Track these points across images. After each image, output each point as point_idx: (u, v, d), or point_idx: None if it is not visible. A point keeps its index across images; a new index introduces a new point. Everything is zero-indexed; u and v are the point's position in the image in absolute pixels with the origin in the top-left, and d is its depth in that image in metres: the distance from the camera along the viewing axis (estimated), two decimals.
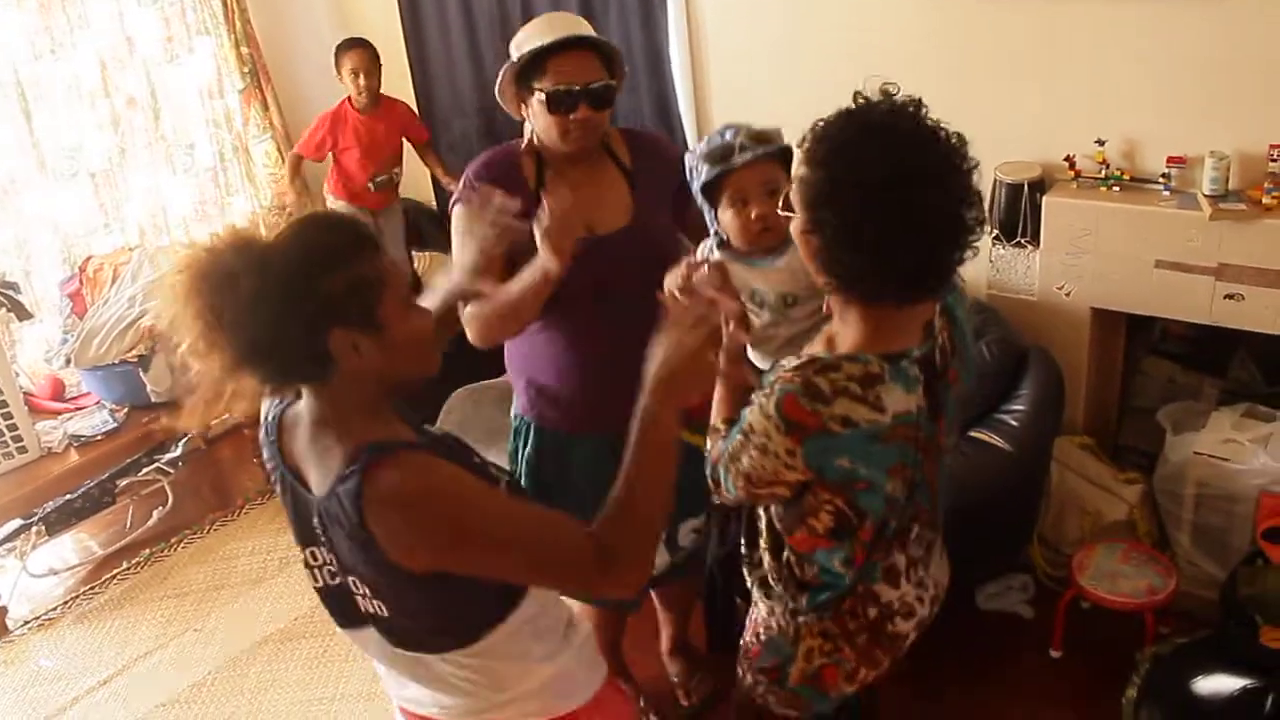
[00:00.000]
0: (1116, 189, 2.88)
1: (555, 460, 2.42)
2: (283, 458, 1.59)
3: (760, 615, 1.91)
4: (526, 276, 2.08)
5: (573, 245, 2.03)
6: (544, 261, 2.03)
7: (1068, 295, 3.02)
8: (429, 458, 1.49)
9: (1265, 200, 2.65)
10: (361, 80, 4.17)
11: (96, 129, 4.26)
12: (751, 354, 2.05)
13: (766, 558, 1.82)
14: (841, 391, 1.54)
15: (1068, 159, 2.96)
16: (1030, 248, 3.04)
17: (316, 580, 1.63)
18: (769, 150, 2.02)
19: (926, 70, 3.17)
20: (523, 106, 2.23)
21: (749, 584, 1.90)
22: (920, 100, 1.54)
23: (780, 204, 1.66)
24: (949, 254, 1.54)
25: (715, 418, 1.84)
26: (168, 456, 4.40)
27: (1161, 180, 2.83)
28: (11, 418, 3.62)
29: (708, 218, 2.10)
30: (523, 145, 2.31)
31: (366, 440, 1.46)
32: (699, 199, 2.08)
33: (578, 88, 2.13)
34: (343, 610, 1.64)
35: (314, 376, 1.49)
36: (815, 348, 1.70)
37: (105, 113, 4.27)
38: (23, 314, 3.71)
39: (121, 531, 4.05)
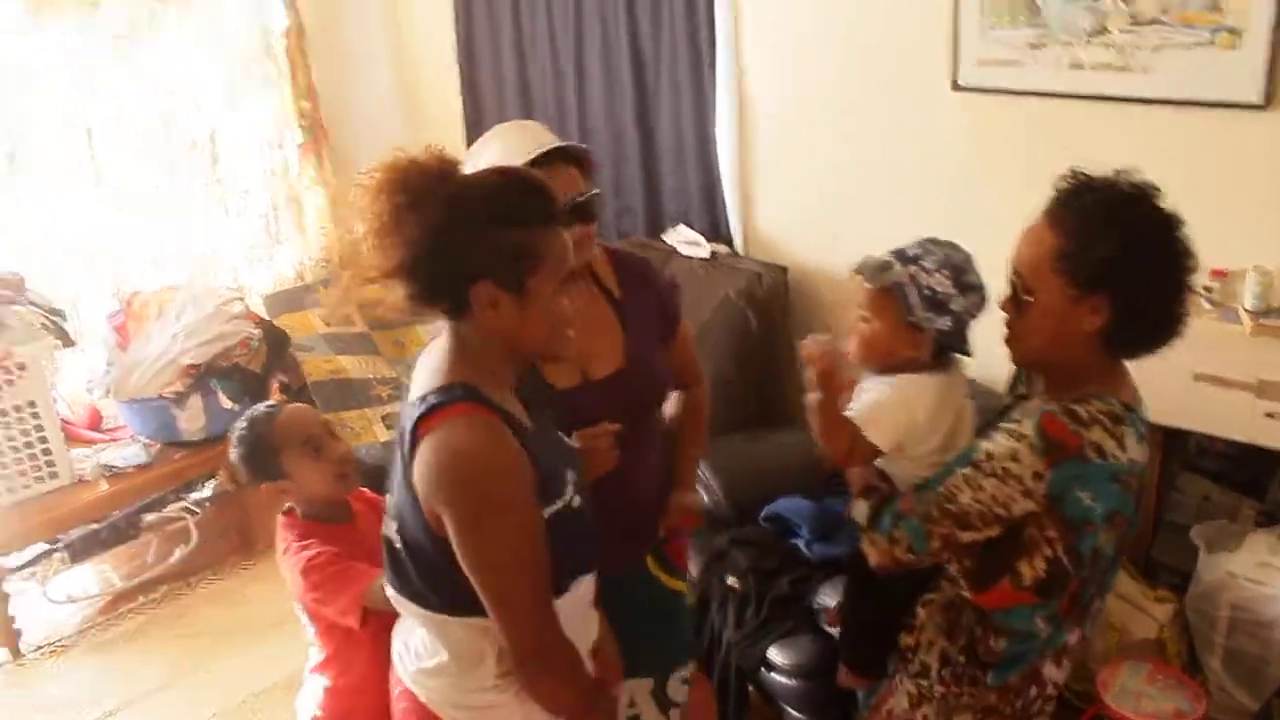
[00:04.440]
0: None
1: None
2: None
3: (900, 708, 1.89)
4: None
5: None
6: None
7: None
8: (497, 427, 1.54)
9: None
10: None
11: (155, 168, 4.35)
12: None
13: (939, 642, 1.82)
14: (1097, 421, 1.61)
15: None
16: None
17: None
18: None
19: (950, 173, 3.22)
20: None
21: (896, 677, 1.90)
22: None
23: (1021, 287, 1.70)
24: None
25: (858, 483, 1.85)
26: (195, 496, 4.44)
27: (1203, 292, 2.81)
28: (47, 442, 3.67)
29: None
30: None
31: (459, 380, 1.55)
32: None
33: (565, 204, 1.85)
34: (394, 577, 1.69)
35: (450, 313, 1.58)
36: (1032, 404, 1.74)
37: (165, 153, 4.37)
38: (67, 341, 3.76)
39: (143, 566, 4.07)
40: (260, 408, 2.36)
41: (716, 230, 3.98)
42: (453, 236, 1.50)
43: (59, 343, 3.75)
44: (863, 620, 2.05)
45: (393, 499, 1.66)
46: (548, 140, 1.97)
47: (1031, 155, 3.00)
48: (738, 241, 3.92)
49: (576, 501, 1.65)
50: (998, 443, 1.65)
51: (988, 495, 1.63)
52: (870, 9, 3.34)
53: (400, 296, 1.56)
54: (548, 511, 1.59)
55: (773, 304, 3.70)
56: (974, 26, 3.09)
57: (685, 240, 3.96)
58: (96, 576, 4.05)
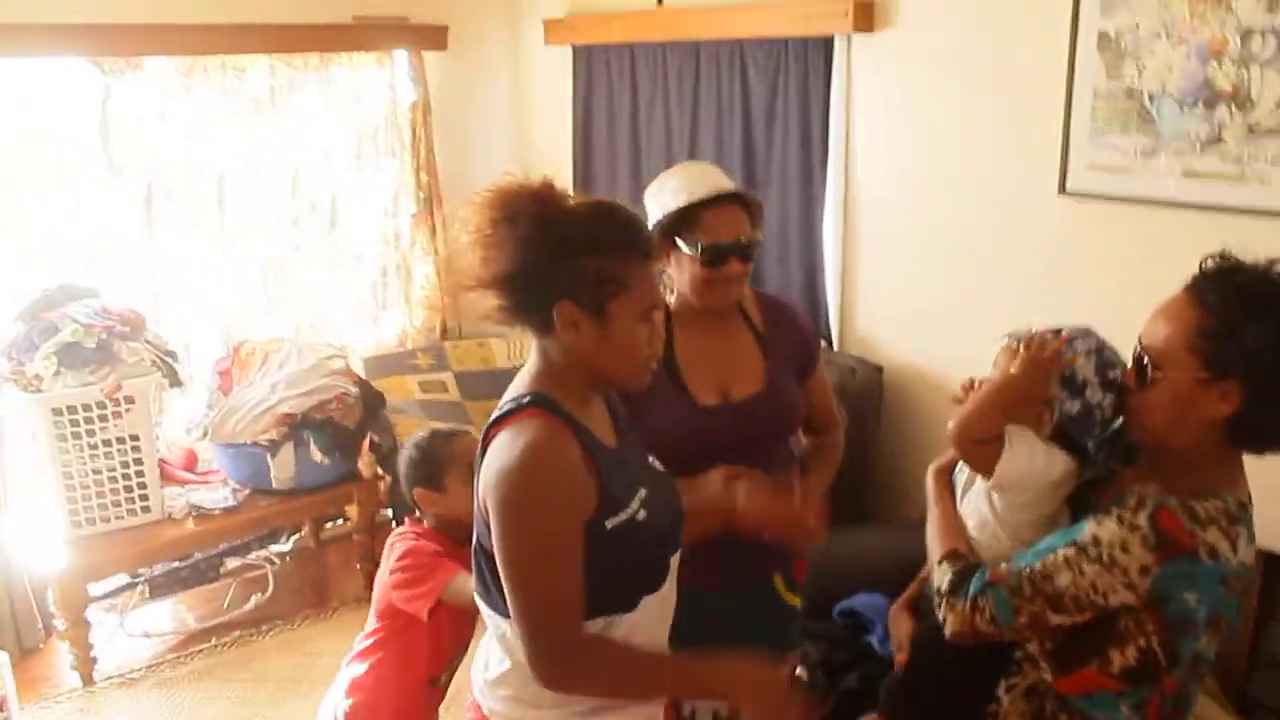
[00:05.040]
0: None
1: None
2: None
3: None
4: None
5: None
6: None
7: None
8: (559, 433, 1.59)
9: None
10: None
11: (277, 224, 4.54)
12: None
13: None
14: (1213, 520, 1.54)
15: None
16: None
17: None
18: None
19: (1055, 278, 3.18)
20: (666, 258, 2.19)
21: None
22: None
23: (1150, 362, 1.64)
24: None
25: (941, 548, 1.80)
26: (277, 548, 4.52)
27: None
28: (143, 476, 3.78)
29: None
30: None
31: (535, 390, 1.63)
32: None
33: (729, 242, 2.12)
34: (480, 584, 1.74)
35: (535, 329, 1.65)
36: (1147, 489, 1.63)
37: (288, 212, 4.56)
38: (175, 381, 3.89)
39: (218, 609, 4.13)
40: (444, 429, 2.69)
41: (815, 325, 3.98)
42: (542, 256, 1.57)
43: (167, 382, 3.88)
44: (929, 703, 1.96)
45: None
46: (725, 184, 2.18)
47: (1139, 263, 2.96)
48: (835, 337, 3.92)
49: (642, 515, 1.66)
50: (1106, 528, 1.57)
51: (1088, 581, 1.57)
52: (981, 112, 3.36)
53: (492, 306, 1.64)
54: (610, 523, 1.62)
55: (865, 401, 3.66)
56: (1084, 132, 3.08)
57: None
58: (172, 614, 4.11)
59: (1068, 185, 3.14)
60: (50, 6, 3.75)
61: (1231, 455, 1.65)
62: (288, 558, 4.50)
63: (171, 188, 4.26)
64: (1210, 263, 1.65)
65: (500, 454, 1.58)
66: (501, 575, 1.58)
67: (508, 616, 1.62)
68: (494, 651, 1.75)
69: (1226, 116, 2.79)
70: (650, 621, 1.72)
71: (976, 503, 1.85)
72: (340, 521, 4.70)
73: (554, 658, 1.58)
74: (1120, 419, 1.79)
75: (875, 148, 3.70)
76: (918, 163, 3.58)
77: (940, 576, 1.75)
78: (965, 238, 3.47)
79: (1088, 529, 1.60)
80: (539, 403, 1.62)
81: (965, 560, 1.75)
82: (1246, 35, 2.76)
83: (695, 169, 2.30)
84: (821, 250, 3.91)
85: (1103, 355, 1.75)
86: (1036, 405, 1.75)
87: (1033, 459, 1.74)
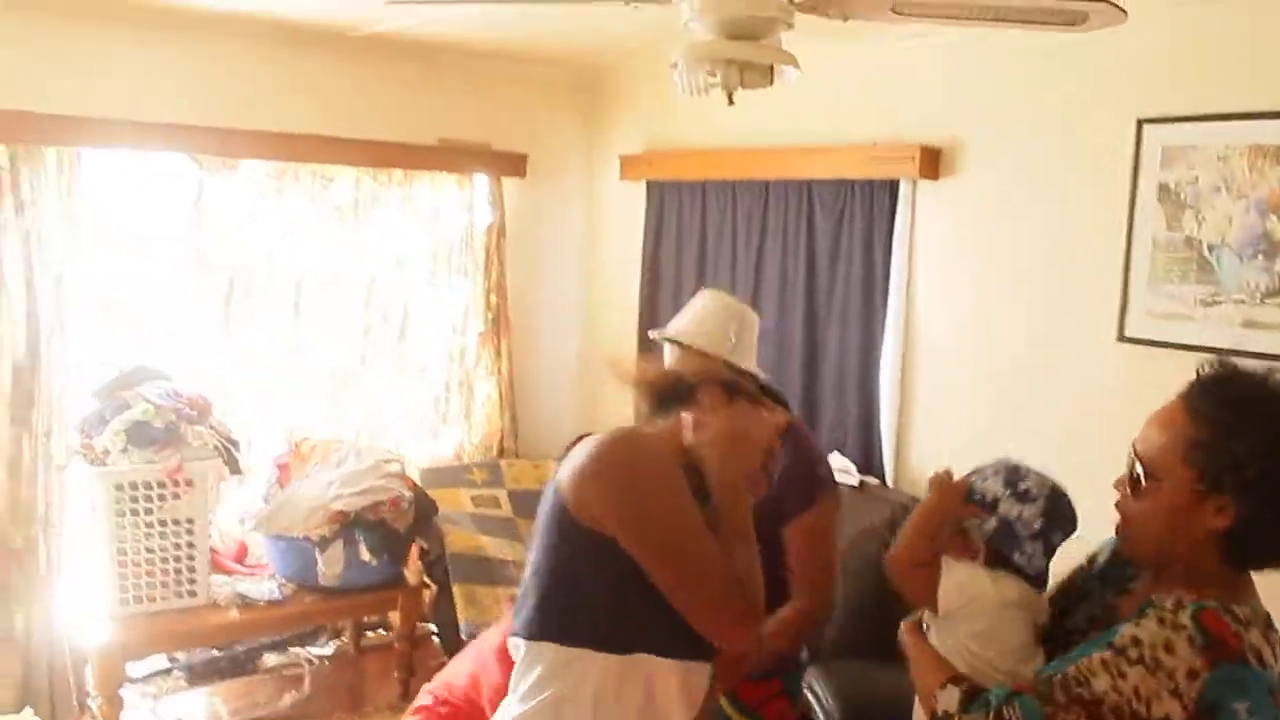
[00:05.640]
0: None
1: None
2: None
3: None
4: None
5: None
6: None
7: None
8: (656, 447, 1.70)
9: None
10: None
11: (349, 331, 4.68)
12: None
13: None
14: (1254, 624, 1.46)
15: None
16: None
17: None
18: None
19: (1110, 424, 3.17)
20: None
21: None
22: None
23: (1143, 471, 1.59)
24: None
25: (939, 676, 1.66)
26: (316, 650, 4.51)
27: None
28: (194, 560, 3.83)
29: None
30: None
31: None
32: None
33: None
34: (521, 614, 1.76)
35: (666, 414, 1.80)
36: (1180, 593, 1.54)
37: (360, 320, 4.71)
38: (235, 468, 3.97)
39: (252, 704, 4.11)
40: None
41: (869, 461, 4.00)
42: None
43: (228, 468, 3.96)
44: None
45: (535, 540, 1.76)
46: (685, 329, 2.45)
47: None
48: (889, 473, 3.92)
49: None
50: (1146, 629, 1.47)
51: (1129, 686, 1.44)
52: (1042, 258, 3.44)
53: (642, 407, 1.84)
54: None
55: None
56: (1144, 280, 3.14)
57: (837, 468, 3.97)
58: (206, 704, 4.10)
59: (1126, 331, 3.18)
60: (158, 106, 4.00)
61: (1238, 573, 1.55)
62: (326, 661, 4.49)
63: (253, 286, 4.44)
64: (1207, 369, 1.60)
65: (603, 441, 1.68)
66: (651, 558, 1.62)
67: (547, 638, 1.66)
68: (523, 676, 1.72)
69: None
70: (644, 684, 1.69)
71: (950, 644, 1.76)
72: (382, 631, 4.69)
73: (748, 619, 1.66)
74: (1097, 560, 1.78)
75: (935, 290, 3.79)
76: (977, 306, 3.65)
77: (947, 699, 1.62)
78: (1022, 380, 3.50)
79: (1125, 631, 1.49)
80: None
81: (971, 682, 1.63)
82: None
83: (695, 305, 2.56)
84: (878, 389, 3.95)
85: (1011, 471, 1.76)
86: (956, 529, 1.77)
87: (976, 583, 1.73)
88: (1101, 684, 1.46)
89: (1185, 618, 1.46)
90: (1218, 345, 2.96)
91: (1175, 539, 1.55)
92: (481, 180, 4.93)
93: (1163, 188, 3.11)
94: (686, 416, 1.75)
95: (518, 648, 1.74)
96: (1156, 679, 1.44)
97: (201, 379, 4.18)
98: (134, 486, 3.71)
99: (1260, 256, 2.90)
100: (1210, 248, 3.01)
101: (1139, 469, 1.59)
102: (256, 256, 4.44)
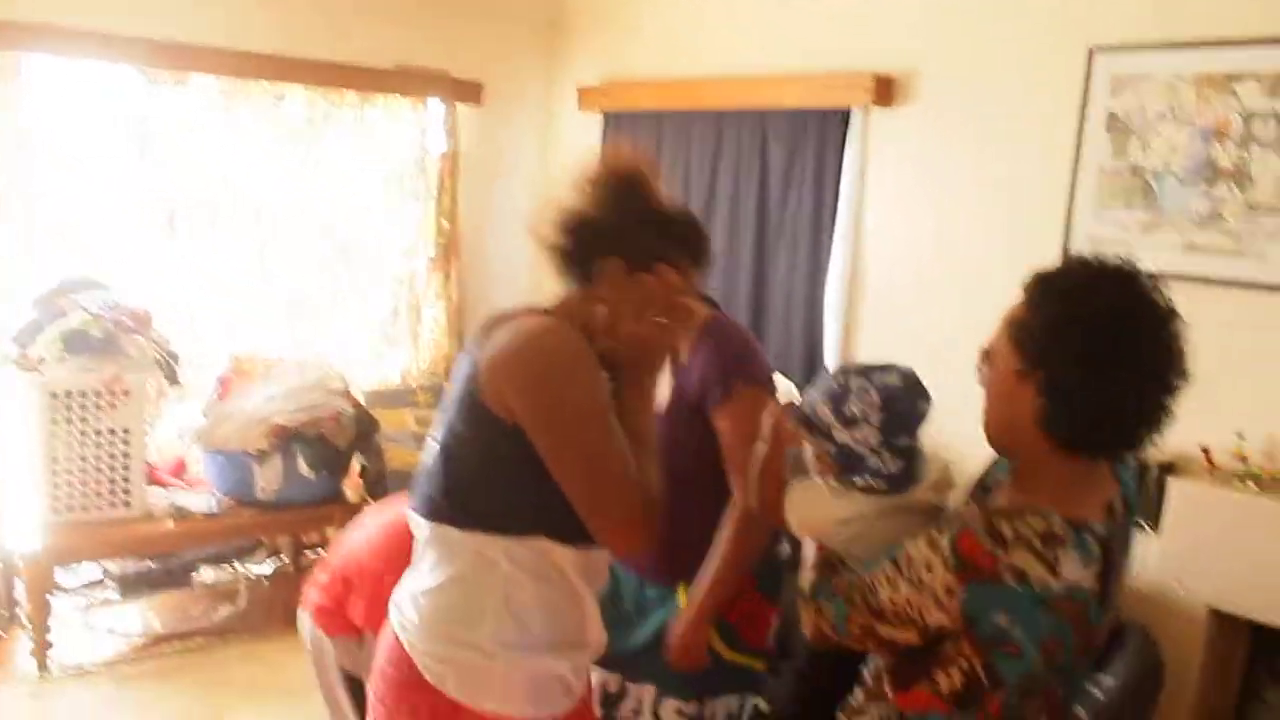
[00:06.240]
0: (1254, 486, 2.77)
1: None
2: None
3: None
4: None
5: None
6: None
7: (1184, 591, 2.85)
8: (580, 344, 1.64)
9: None
10: None
11: (296, 252, 4.63)
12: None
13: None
14: (1022, 542, 1.46)
15: (1204, 449, 2.87)
16: (1148, 532, 2.91)
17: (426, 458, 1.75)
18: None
19: None
20: None
21: None
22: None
23: (981, 357, 1.61)
24: (1161, 407, 1.50)
25: (817, 557, 1.74)
26: (255, 568, 4.48)
27: None
28: (129, 470, 3.78)
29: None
30: None
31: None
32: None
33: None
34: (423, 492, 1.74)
35: (576, 279, 1.75)
36: (971, 511, 1.59)
37: (310, 242, 4.65)
38: (174, 380, 3.92)
39: (185, 618, 4.08)
40: None
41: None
42: (616, 215, 1.75)
43: (167, 380, 3.91)
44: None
45: (441, 418, 1.72)
46: None
47: None
48: None
49: None
50: (918, 548, 1.53)
51: (902, 598, 1.53)
52: (990, 184, 3.45)
53: (552, 244, 1.76)
54: None
55: None
56: (1089, 206, 3.16)
57: (781, 390, 3.99)
58: (140, 616, 4.06)
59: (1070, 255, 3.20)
60: (106, 15, 3.91)
61: (1075, 470, 1.54)
62: (265, 580, 4.46)
63: (200, 203, 4.37)
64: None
65: (520, 333, 1.63)
66: (556, 453, 1.60)
67: (461, 526, 1.65)
68: (429, 568, 1.71)
69: (1226, 193, 2.87)
70: (596, 569, 1.74)
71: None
72: (321, 551, 4.65)
73: (645, 524, 1.63)
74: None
75: (886, 217, 3.79)
76: (927, 232, 3.66)
77: (805, 580, 1.73)
78: (967, 306, 3.51)
79: (905, 547, 1.56)
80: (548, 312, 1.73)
81: (833, 566, 1.71)
82: (1249, 118, 2.85)
83: None
84: (822, 317, 3.96)
85: (838, 396, 1.72)
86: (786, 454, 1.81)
87: (816, 503, 1.76)
88: (883, 594, 1.57)
89: (945, 540, 1.50)
90: (1159, 270, 3.00)
91: (1008, 427, 1.57)
92: (437, 106, 4.86)
93: (1111, 116, 3.13)
94: (600, 309, 1.70)
95: (419, 525, 1.73)
96: (921, 595, 1.52)
97: (145, 296, 4.11)
98: (69, 395, 3.65)
99: (1202, 183, 2.93)
100: (1155, 174, 3.03)
101: (984, 352, 1.62)
102: (205, 176, 4.36)
